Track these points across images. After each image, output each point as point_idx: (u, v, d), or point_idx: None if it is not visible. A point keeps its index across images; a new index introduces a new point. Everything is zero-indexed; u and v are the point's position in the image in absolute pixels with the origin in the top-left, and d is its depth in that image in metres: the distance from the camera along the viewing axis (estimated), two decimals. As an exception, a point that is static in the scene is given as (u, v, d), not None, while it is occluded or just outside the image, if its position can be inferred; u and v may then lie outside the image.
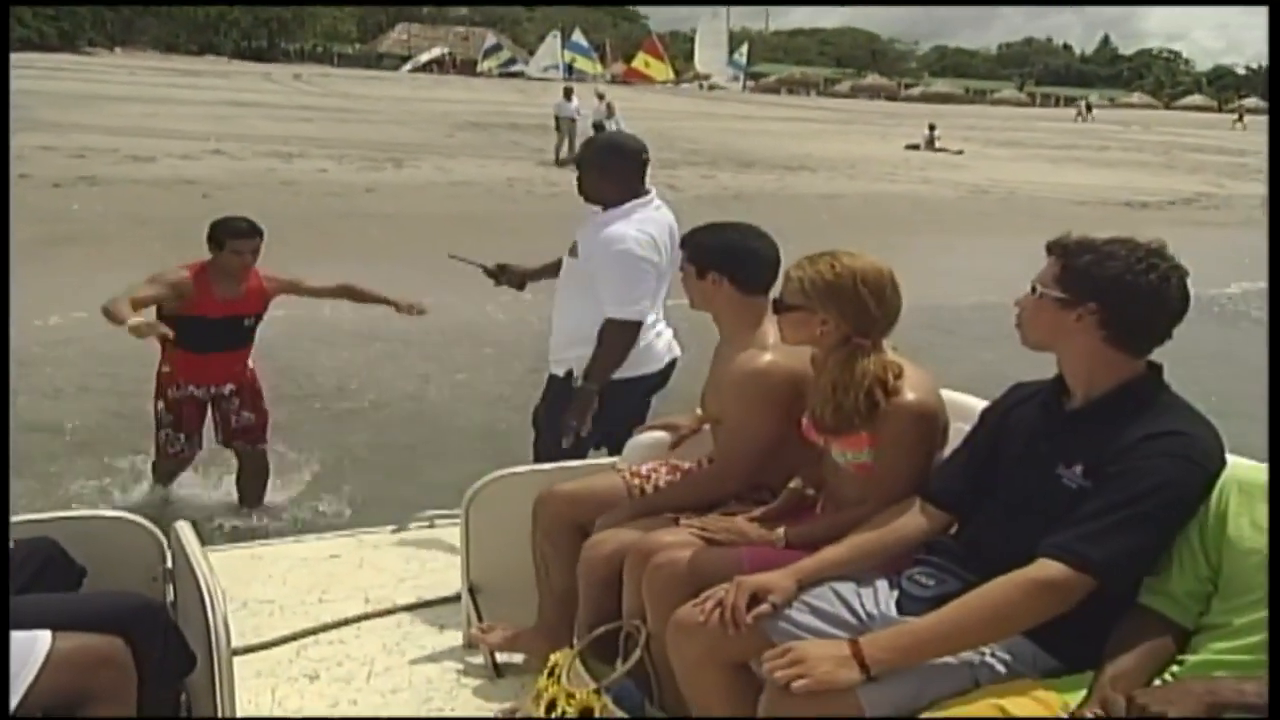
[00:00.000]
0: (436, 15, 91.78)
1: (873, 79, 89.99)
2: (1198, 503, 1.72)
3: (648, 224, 3.24)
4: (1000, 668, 1.74)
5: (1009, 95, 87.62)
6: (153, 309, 4.15)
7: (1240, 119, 54.57)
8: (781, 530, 2.19)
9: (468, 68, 68.99)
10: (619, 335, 3.19)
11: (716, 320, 2.57)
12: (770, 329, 2.41)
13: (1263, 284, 11.63)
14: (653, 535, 2.28)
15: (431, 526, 3.71)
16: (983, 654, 1.75)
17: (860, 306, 2.10)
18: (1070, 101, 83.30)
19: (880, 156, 24.94)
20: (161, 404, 4.42)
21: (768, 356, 2.37)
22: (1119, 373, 1.80)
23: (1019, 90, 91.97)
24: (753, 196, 16.71)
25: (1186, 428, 1.75)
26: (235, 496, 4.72)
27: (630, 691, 2.16)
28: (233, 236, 4.22)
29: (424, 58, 72.02)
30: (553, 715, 2.16)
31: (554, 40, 68.33)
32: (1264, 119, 61.22)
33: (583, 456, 3.23)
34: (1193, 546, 1.71)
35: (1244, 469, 1.76)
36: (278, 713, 2.56)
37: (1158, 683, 1.64)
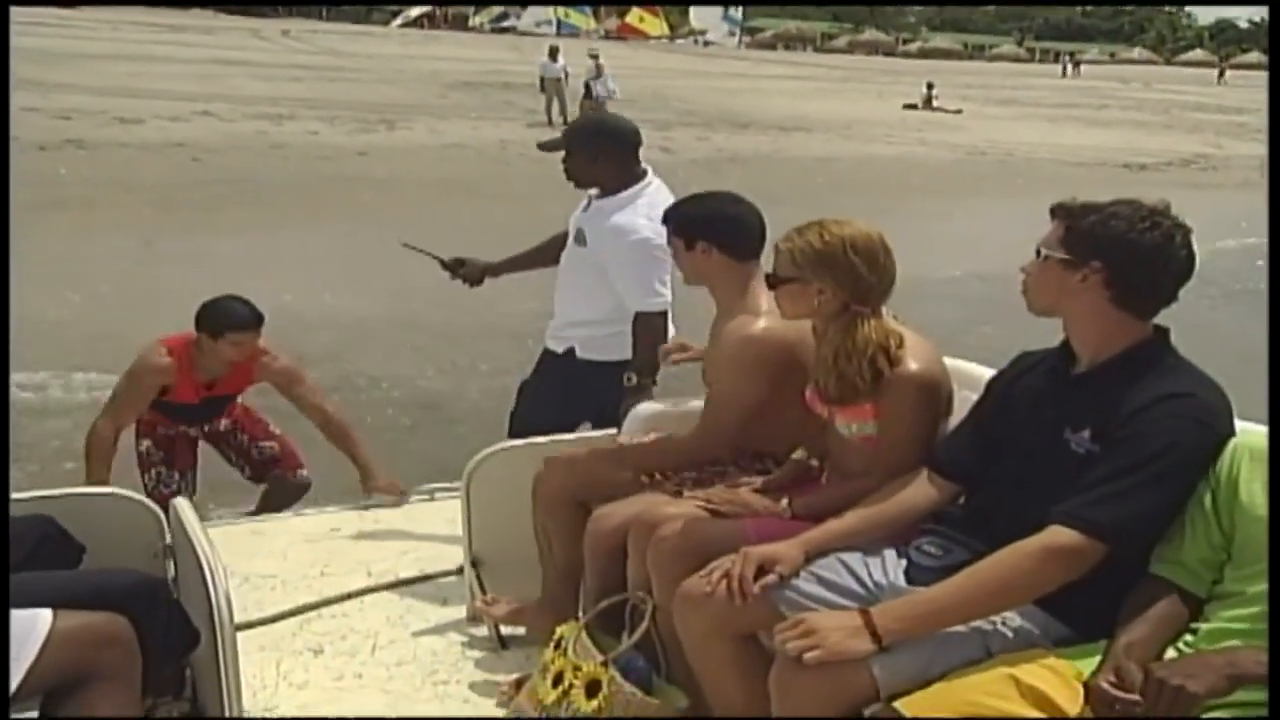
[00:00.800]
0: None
1: (870, 34, 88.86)
2: (1207, 465, 1.70)
3: (655, 208, 3.12)
4: (1012, 636, 1.73)
5: (1008, 50, 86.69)
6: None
7: (1222, 75, 54.19)
8: (786, 501, 2.19)
9: (459, 22, 68.10)
10: (653, 326, 3.12)
11: (712, 293, 2.55)
12: (763, 295, 2.39)
13: (1250, 241, 11.60)
14: (657, 507, 2.27)
15: (432, 499, 3.69)
16: (994, 623, 1.74)
17: (854, 273, 2.08)
18: (1071, 56, 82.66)
19: (877, 117, 24.69)
20: (148, 443, 3.92)
21: (761, 323, 2.36)
22: (1126, 336, 1.79)
23: (1018, 45, 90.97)
24: (748, 159, 16.55)
25: (1194, 389, 1.74)
26: (233, 474, 4.23)
27: (637, 664, 2.16)
28: (234, 329, 3.68)
29: (414, 11, 70.97)
30: (559, 688, 2.16)
31: (547, -6, 67.58)
32: (1248, 75, 61.10)
33: (563, 429, 3.17)
34: (1205, 514, 1.69)
35: (1256, 435, 1.74)
36: (283, 686, 2.56)
37: (1172, 652, 1.63)
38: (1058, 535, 1.68)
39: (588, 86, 20.14)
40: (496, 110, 20.53)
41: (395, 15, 70.50)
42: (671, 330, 3.38)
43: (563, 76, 20.58)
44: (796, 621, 1.73)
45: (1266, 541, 1.62)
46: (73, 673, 1.83)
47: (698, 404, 2.60)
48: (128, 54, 27.36)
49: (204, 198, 11.45)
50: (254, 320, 3.73)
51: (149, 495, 3.81)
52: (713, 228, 2.48)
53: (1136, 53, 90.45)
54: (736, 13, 73.99)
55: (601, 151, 3.18)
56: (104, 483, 3.55)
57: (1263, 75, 60.75)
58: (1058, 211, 1.83)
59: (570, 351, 3.26)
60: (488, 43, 46.61)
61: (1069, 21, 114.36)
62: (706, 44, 70.67)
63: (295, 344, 5.01)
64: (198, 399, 3.87)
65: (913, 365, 2.06)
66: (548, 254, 3.43)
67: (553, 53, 20.83)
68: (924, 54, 77.72)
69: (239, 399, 4.08)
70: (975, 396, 2.08)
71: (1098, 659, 1.63)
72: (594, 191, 3.23)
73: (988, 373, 2.14)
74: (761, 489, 2.31)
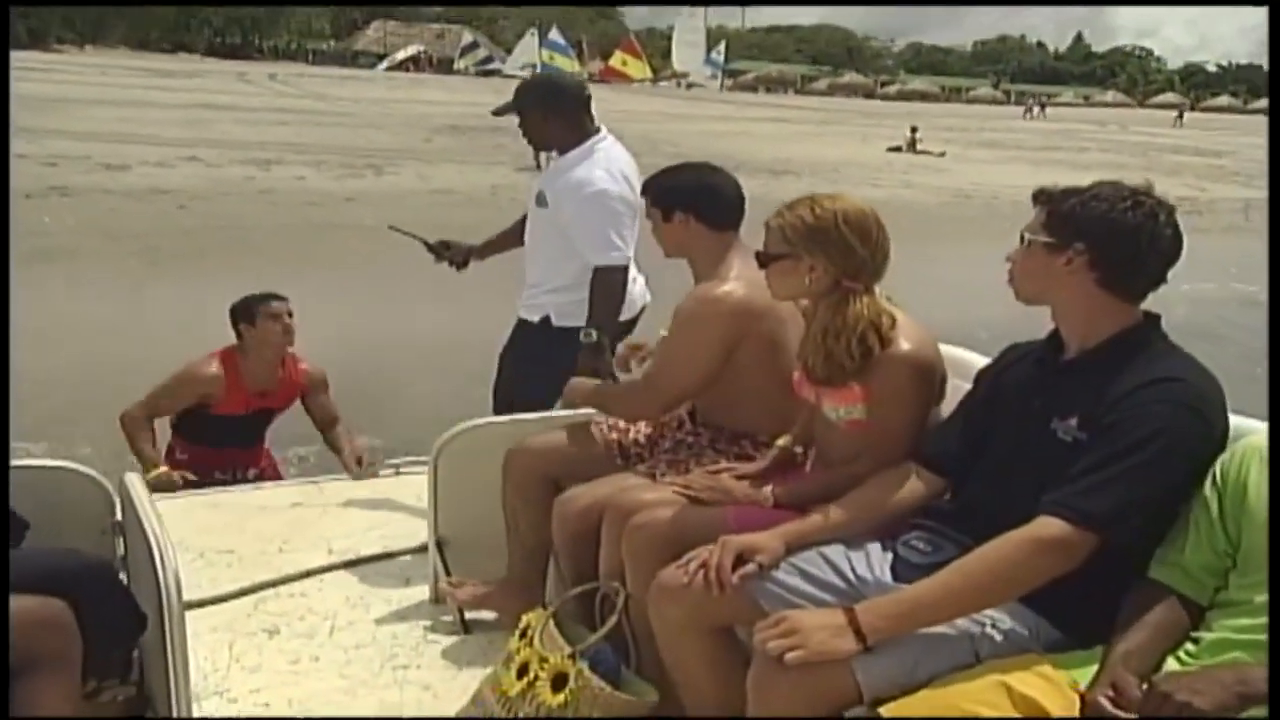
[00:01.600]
0: (412, 13, 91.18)
1: (850, 77, 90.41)
2: (1198, 452, 1.66)
3: (615, 161, 3.16)
4: (1001, 639, 1.67)
5: (985, 93, 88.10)
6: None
7: (1180, 118, 55.24)
8: (769, 489, 2.12)
9: (444, 66, 68.71)
10: (611, 280, 3.09)
11: (690, 265, 2.50)
12: (736, 262, 2.35)
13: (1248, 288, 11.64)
14: (632, 493, 2.21)
15: (398, 474, 3.60)
16: (982, 624, 1.67)
17: (845, 247, 2.03)
18: (1047, 99, 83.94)
19: (862, 159, 24.85)
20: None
21: (724, 286, 2.32)
22: (1114, 321, 1.75)
23: (994, 88, 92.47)
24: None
25: (1183, 374, 1.69)
26: None
27: (607, 655, 2.07)
28: (263, 302, 3.78)
29: (400, 55, 71.58)
30: (524, 679, 2.06)
31: (531, 38, 68.04)
32: (1220, 118, 62.21)
33: (547, 399, 3.11)
34: (1210, 516, 1.63)
35: (1263, 437, 1.68)
36: (235, 669, 2.45)
37: (1172, 663, 1.56)
38: (1046, 526, 1.62)
39: None
40: (484, 154, 20.51)
41: (381, 59, 70.97)
42: (646, 297, 3.36)
43: None
44: (778, 619, 1.66)
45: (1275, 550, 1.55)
46: (9, 660, 1.76)
47: None
48: (114, 99, 27.35)
49: (191, 246, 11.32)
50: (279, 295, 3.83)
51: None
52: (690, 196, 2.45)
53: (1110, 96, 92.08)
54: (719, 56, 74.76)
55: (552, 109, 3.17)
56: (153, 461, 3.68)
57: (1233, 119, 61.96)
58: (1039, 197, 1.80)
59: (546, 320, 3.22)
60: (473, 86, 46.90)
61: (1042, 65, 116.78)
62: (689, 86, 71.40)
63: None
64: (246, 410, 3.83)
65: (905, 346, 2.01)
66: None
67: None
68: (903, 96, 78.87)
69: (268, 446, 4.09)
70: (967, 384, 2.03)
71: (1093, 667, 1.57)
72: (554, 154, 3.23)
73: (980, 360, 2.10)
74: (744, 476, 2.23)
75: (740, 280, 2.31)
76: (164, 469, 3.66)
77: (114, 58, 52.35)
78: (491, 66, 67.03)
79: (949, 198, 18.93)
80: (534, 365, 3.21)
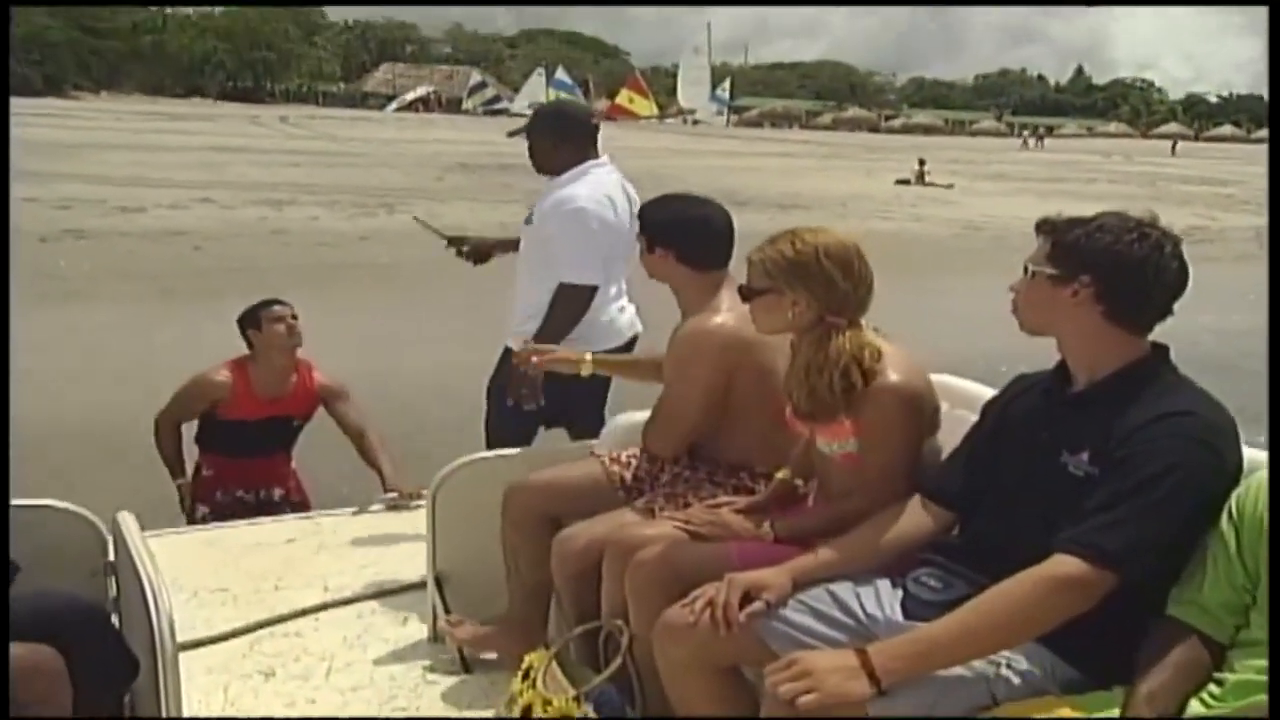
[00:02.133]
0: (420, 54, 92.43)
1: (854, 111, 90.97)
2: (1213, 487, 1.63)
3: (601, 185, 3.17)
4: (1018, 680, 1.64)
5: (988, 126, 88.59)
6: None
7: (1174, 148, 55.45)
8: (769, 524, 2.09)
9: (453, 106, 69.48)
10: (571, 300, 3.05)
11: (675, 294, 2.49)
12: (726, 296, 2.34)
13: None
14: (632, 529, 2.18)
15: (394, 509, 3.57)
16: (998, 665, 1.64)
17: (828, 282, 2.02)
18: (1050, 131, 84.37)
19: (870, 193, 24.96)
20: (205, 510, 3.96)
21: (716, 320, 2.31)
22: (1122, 353, 1.73)
23: (997, 120, 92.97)
24: (749, 236, 16.59)
25: (1194, 407, 1.66)
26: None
27: (611, 697, 2.03)
28: (267, 306, 3.89)
29: (409, 96, 72.40)
30: None
31: (538, 78, 68.92)
32: (1224, 148, 62.21)
33: (532, 430, 3.17)
34: (1228, 552, 1.59)
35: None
36: (230, 713, 2.40)
37: (1197, 705, 1.53)
38: (1062, 564, 1.59)
39: None
40: (494, 192, 20.64)
41: (390, 100, 71.79)
42: (637, 326, 3.33)
43: None
44: (789, 661, 1.62)
45: None
46: None
47: None
48: (128, 144, 27.67)
49: (206, 287, 11.37)
50: (281, 300, 3.95)
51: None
52: (674, 233, 2.43)
53: (1113, 127, 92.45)
54: (724, 92, 75.43)
55: (560, 135, 3.23)
56: (182, 466, 3.89)
57: (1238, 148, 62.06)
58: (1043, 227, 1.77)
59: (508, 347, 3.22)
60: (481, 125, 47.35)
61: (1044, 98, 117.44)
62: (695, 123, 72.00)
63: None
64: (258, 415, 3.89)
65: (892, 377, 1.98)
66: None
67: None
68: (906, 129, 79.36)
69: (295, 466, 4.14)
70: (974, 416, 2.00)
71: (1114, 710, 1.54)
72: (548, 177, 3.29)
73: (986, 391, 2.06)
74: (744, 510, 2.20)
75: (731, 313, 2.29)
76: (186, 481, 3.85)
77: (128, 104, 53.06)
78: (499, 106, 67.78)
79: (959, 229, 18.95)
80: (504, 391, 3.18)
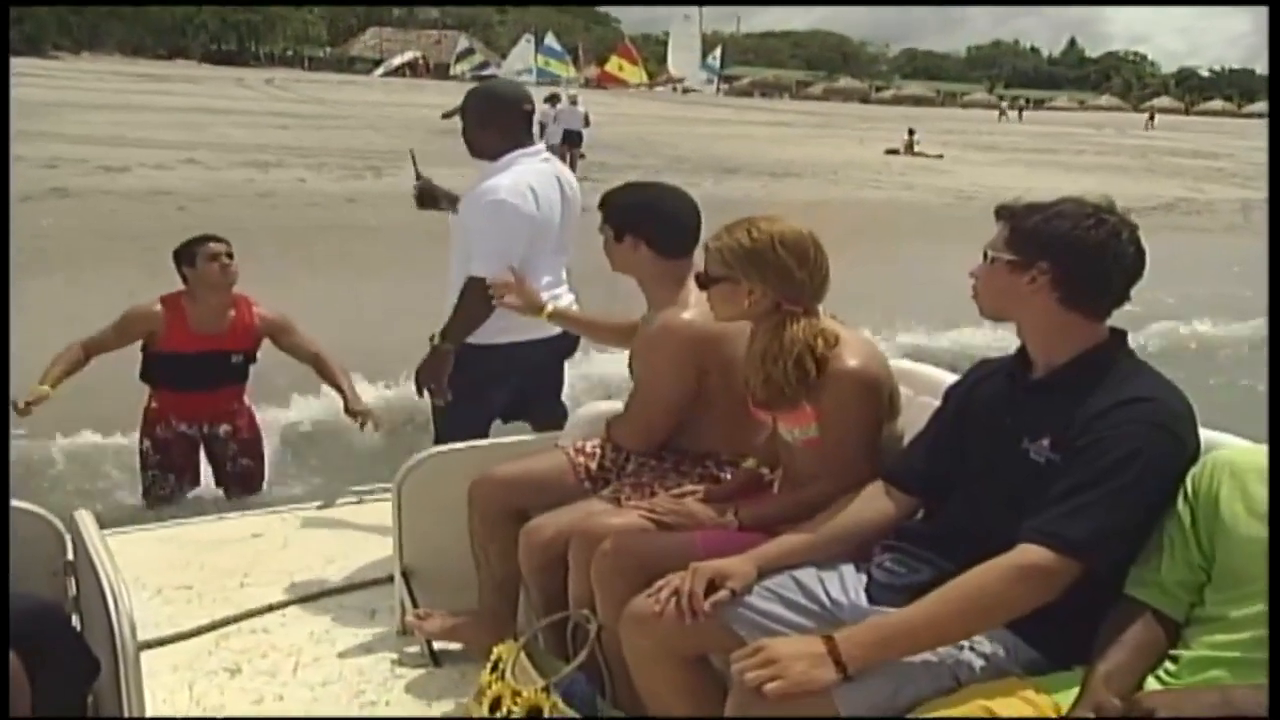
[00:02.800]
0: (408, 18, 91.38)
1: (845, 82, 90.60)
2: (1174, 472, 1.64)
3: (527, 175, 3.05)
4: (981, 663, 1.65)
5: (980, 98, 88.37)
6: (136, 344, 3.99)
7: (1151, 119, 55.54)
8: (733, 512, 2.10)
9: (441, 71, 68.80)
10: (479, 295, 2.94)
11: (640, 285, 2.46)
12: (693, 291, 2.30)
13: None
14: (597, 519, 2.17)
15: (360, 503, 3.53)
16: (961, 648, 1.65)
17: (783, 271, 2.03)
18: (1036, 104, 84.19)
19: (861, 161, 24.90)
20: (148, 443, 4.11)
21: (684, 315, 2.31)
22: (1080, 338, 1.73)
23: (989, 93, 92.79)
24: (739, 203, 16.55)
25: (1153, 393, 1.67)
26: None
27: (581, 687, 2.02)
28: (200, 243, 3.88)
29: (396, 61, 71.67)
30: (497, 715, 2.01)
31: (527, 44, 68.27)
32: (1216, 121, 62.24)
33: (485, 425, 3.10)
34: (1184, 532, 1.61)
35: (1235, 450, 1.67)
36: (195, 712, 2.35)
37: (1153, 682, 1.54)
38: (1028, 553, 1.60)
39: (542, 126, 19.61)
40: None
41: (377, 65, 71.05)
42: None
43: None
44: (755, 649, 1.62)
45: (1249, 564, 1.53)
46: None
47: None
48: (111, 104, 27.35)
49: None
50: (218, 237, 3.92)
51: (145, 494, 4.17)
52: (644, 221, 2.40)
53: (1104, 100, 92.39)
54: (714, 60, 74.97)
55: (487, 118, 3.11)
56: (56, 380, 3.81)
57: (1228, 122, 62.07)
58: (1002, 213, 1.77)
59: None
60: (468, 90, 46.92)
61: (1036, 70, 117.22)
62: (685, 91, 71.62)
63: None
64: (194, 349, 3.93)
65: (850, 362, 2.00)
66: None
67: (552, 100, 20.66)
68: (897, 100, 79.12)
69: (248, 402, 4.21)
70: (935, 402, 2.00)
71: (1075, 689, 1.54)
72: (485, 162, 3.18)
73: (948, 377, 2.06)
74: (708, 498, 2.20)
75: (699, 307, 2.28)
76: (44, 386, 3.76)
77: (110, 64, 52.36)
78: (488, 72, 67.05)
79: (951, 199, 18.90)
80: (454, 387, 3.12)
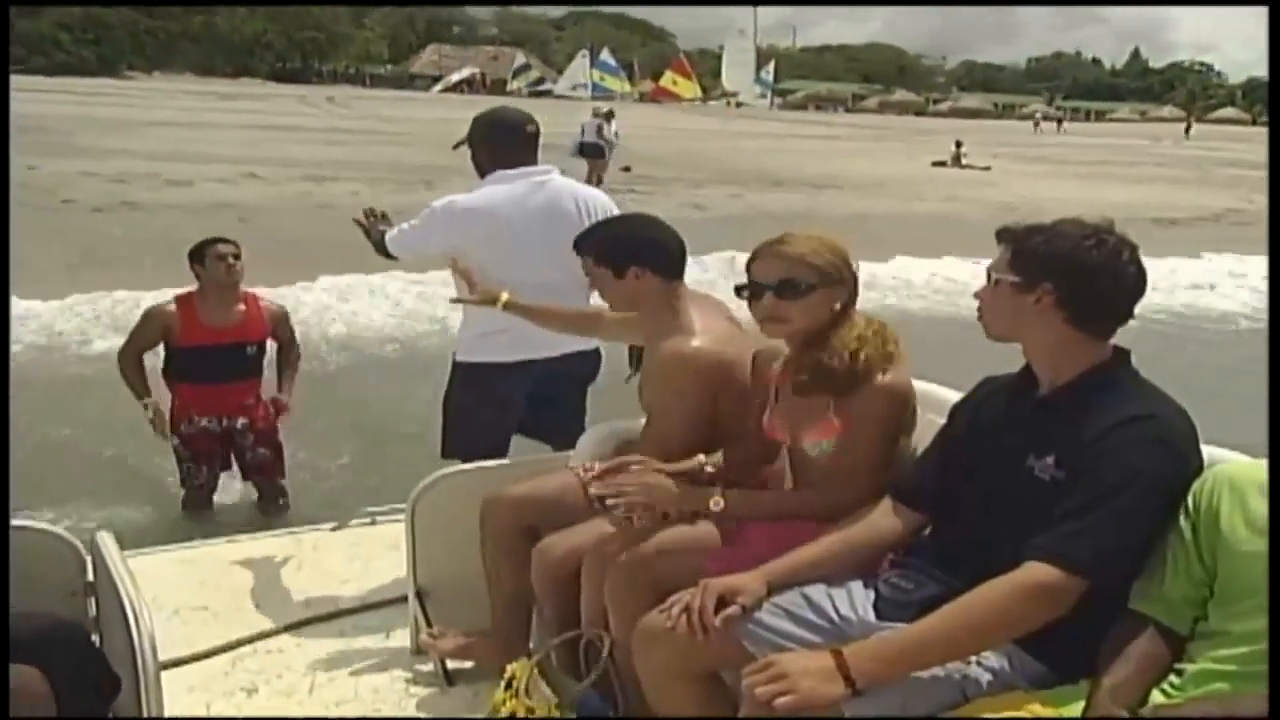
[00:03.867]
0: (467, 35, 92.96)
1: (900, 95, 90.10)
2: (1178, 490, 1.68)
3: (495, 193, 3.11)
4: (988, 677, 1.69)
5: (1038, 110, 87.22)
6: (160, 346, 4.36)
7: (1187, 130, 54.13)
8: (719, 495, 2.11)
9: (498, 87, 69.79)
10: (378, 248, 3.26)
11: (643, 318, 2.50)
12: (696, 312, 2.39)
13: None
14: (610, 537, 2.19)
15: (374, 523, 3.56)
16: (969, 662, 1.69)
17: (854, 275, 2.12)
18: (1099, 115, 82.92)
19: (907, 174, 24.90)
20: (176, 440, 4.42)
21: (695, 342, 2.33)
22: (1085, 357, 1.77)
23: (1048, 105, 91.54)
24: (781, 215, 16.79)
25: (1157, 412, 1.70)
26: (170, 496, 4.65)
27: (594, 704, 2.05)
28: (208, 245, 4.25)
29: (454, 78, 73.00)
30: None
31: (582, 59, 69.06)
32: (1254, 130, 60.39)
33: (504, 444, 3.15)
34: (1187, 548, 1.65)
35: (1235, 465, 1.71)
36: None
37: (1157, 695, 1.58)
38: (1035, 572, 1.63)
39: (592, 145, 19.80)
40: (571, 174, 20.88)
41: (436, 81, 72.47)
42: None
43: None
44: (765, 664, 1.65)
45: (1251, 579, 1.57)
46: None
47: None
48: (179, 121, 28.44)
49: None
50: (228, 239, 4.32)
51: (183, 485, 4.52)
52: (641, 250, 2.42)
53: (1167, 111, 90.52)
54: (768, 75, 74.99)
55: (488, 140, 3.21)
56: (145, 388, 4.27)
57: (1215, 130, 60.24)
58: (1003, 235, 1.81)
59: (454, 355, 3.26)
60: (524, 106, 47.51)
61: (1098, 81, 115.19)
62: (739, 105, 71.77)
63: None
64: (209, 341, 4.28)
65: (887, 374, 2.06)
66: None
67: (608, 116, 20.57)
68: (955, 113, 78.40)
69: (265, 399, 4.53)
70: (941, 420, 2.04)
71: (1081, 703, 1.59)
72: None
73: (954, 395, 2.10)
74: (692, 481, 2.19)
75: (707, 334, 2.33)
76: (153, 399, 4.20)
77: (180, 83, 54.20)
78: (543, 87, 68.00)
79: (994, 211, 18.85)
80: (452, 404, 3.24)
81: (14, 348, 7.31)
